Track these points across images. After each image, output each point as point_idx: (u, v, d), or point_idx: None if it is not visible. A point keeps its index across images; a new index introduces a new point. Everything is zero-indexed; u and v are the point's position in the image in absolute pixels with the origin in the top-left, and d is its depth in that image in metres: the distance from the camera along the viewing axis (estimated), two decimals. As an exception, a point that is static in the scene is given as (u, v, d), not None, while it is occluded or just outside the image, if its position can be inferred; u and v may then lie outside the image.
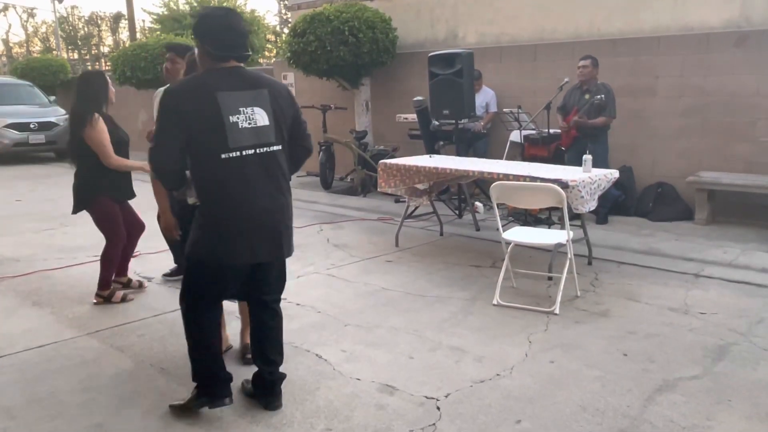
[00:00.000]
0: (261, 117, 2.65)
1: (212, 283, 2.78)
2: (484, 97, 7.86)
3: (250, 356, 3.24)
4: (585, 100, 6.45)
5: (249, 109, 2.62)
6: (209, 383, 2.83)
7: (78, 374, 3.30)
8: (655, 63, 6.91)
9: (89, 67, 34.82)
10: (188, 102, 2.55)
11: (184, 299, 2.83)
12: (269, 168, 2.68)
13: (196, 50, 2.74)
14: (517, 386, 3.09)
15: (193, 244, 2.72)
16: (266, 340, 2.94)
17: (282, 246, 2.78)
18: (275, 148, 2.71)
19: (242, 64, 2.73)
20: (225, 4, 17.34)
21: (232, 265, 2.72)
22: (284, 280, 2.99)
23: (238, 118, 2.58)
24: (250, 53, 2.72)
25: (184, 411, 2.86)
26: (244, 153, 2.60)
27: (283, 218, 2.76)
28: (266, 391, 2.93)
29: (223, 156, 2.56)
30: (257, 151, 2.64)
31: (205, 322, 2.83)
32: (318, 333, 3.81)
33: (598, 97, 6.26)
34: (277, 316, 2.98)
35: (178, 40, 12.43)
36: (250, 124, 2.61)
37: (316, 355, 3.48)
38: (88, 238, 6.02)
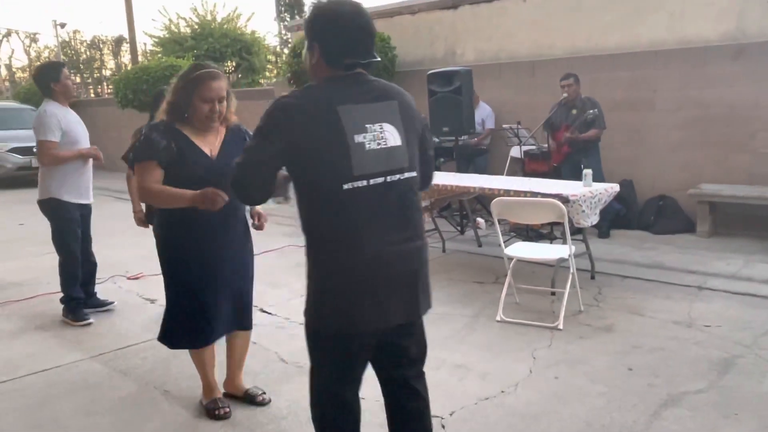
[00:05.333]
0: (392, 136, 2.04)
1: (338, 361, 2.10)
2: (480, 114, 7.90)
3: (261, 399, 3.13)
4: (573, 116, 6.50)
5: (377, 126, 2.01)
6: None
7: (81, 398, 3.29)
8: (654, 77, 6.94)
9: (91, 91, 35.04)
10: (303, 117, 1.95)
11: (312, 383, 2.19)
12: (403, 200, 2.05)
13: (305, 53, 2.13)
14: (522, 403, 3.08)
15: (308, 310, 2.09)
16: (406, 429, 2.27)
17: (419, 301, 2.11)
18: (409, 174, 2.07)
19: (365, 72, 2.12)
20: (226, 26, 17.49)
21: (361, 333, 2.03)
22: (425, 346, 2.26)
23: (364, 138, 1.98)
24: (378, 58, 2.14)
25: None
26: (371, 182, 1.98)
27: (420, 265, 2.11)
28: None
29: (345, 186, 1.94)
30: (387, 179, 2.01)
31: (340, 415, 2.17)
32: (321, 352, 3.79)
33: (591, 111, 6.31)
34: (418, 398, 2.24)
35: (179, 62, 12.55)
36: (379, 144, 2.00)
37: (320, 374, 3.47)
38: (90, 261, 6.03)
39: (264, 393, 3.19)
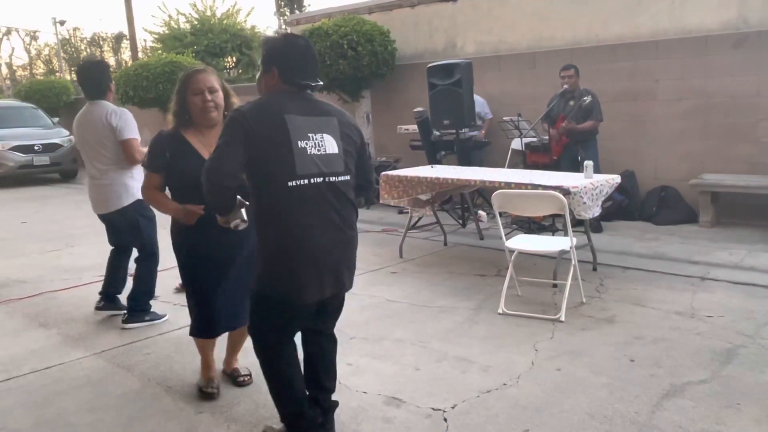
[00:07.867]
0: (330, 144, 2.49)
1: (282, 320, 2.58)
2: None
3: (242, 379, 3.31)
4: (570, 107, 6.49)
5: (318, 136, 2.46)
6: (298, 423, 2.66)
7: (85, 395, 3.30)
8: (655, 67, 6.92)
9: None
10: (257, 122, 2.37)
11: (257, 339, 2.64)
12: (337, 198, 2.49)
13: (258, 76, 2.59)
14: (524, 395, 3.08)
15: (258, 279, 2.54)
16: (319, 364, 2.76)
17: (345, 280, 2.60)
18: (343, 177, 2.52)
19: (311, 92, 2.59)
20: (225, 22, 17.46)
21: (302, 302, 2.49)
22: (341, 308, 2.78)
23: (306, 144, 2.42)
24: (321, 83, 2.62)
25: None
26: (311, 181, 2.42)
27: (349, 252, 2.58)
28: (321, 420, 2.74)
29: (289, 183, 2.38)
30: (326, 180, 2.45)
31: (284, 359, 2.63)
32: (324, 347, 3.80)
33: (585, 98, 6.30)
34: (331, 340, 2.81)
35: (179, 58, 12.54)
36: (319, 151, 2.44)
37: (322, 369, 3.48)
38: (93, 259, 6.04)
39: (247, 375, 3.33)
